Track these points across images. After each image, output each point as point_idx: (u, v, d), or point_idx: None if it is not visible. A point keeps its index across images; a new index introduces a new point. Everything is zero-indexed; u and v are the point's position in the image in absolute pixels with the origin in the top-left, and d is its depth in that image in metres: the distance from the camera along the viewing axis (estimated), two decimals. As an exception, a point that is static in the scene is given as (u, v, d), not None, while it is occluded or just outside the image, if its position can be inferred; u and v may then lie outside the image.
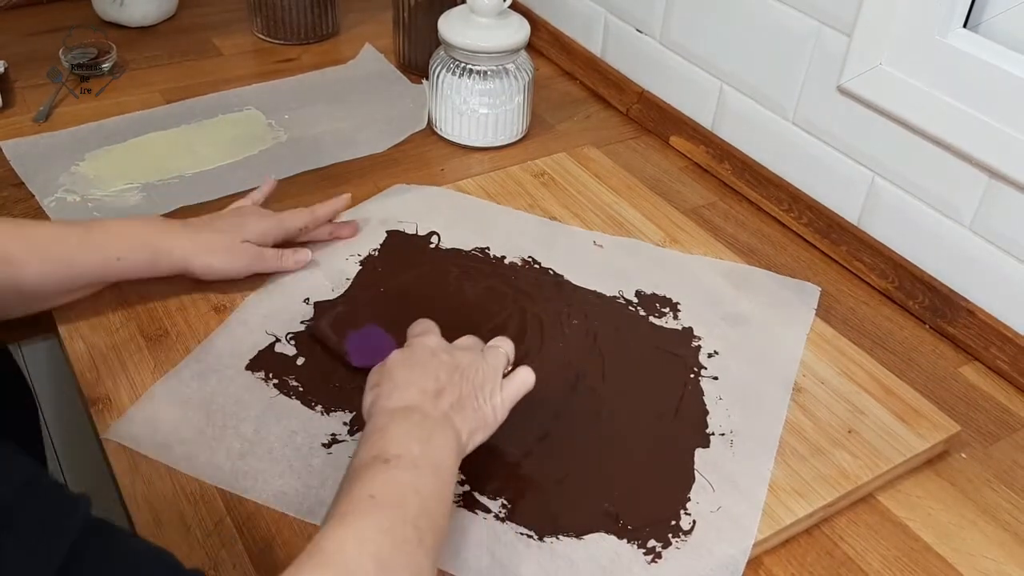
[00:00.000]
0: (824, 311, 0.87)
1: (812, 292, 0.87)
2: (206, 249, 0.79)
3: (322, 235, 0.87)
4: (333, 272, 0.84)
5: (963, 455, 0.75)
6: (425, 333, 0.68)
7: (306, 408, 0.71)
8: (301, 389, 0.73)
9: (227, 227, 0.81)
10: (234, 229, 0.81)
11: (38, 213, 0.91)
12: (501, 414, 0.64)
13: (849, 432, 0.73)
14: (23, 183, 0.95)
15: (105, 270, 0.76)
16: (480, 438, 0.63)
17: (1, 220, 0.73)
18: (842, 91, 0.90)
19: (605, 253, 0.89)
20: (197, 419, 0.70)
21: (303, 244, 0.86)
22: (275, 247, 0.83)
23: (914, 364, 0.83)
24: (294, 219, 0.84)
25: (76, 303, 0.78)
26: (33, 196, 0.93)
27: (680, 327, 0.81)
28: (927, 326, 0.88)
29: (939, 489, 0.72)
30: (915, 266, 0.89)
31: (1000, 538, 0.68)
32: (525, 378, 0.66)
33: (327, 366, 0.75)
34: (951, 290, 0.86)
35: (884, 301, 0.90)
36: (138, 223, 0.78)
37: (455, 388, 0.63)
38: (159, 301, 0.80)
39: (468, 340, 0.70)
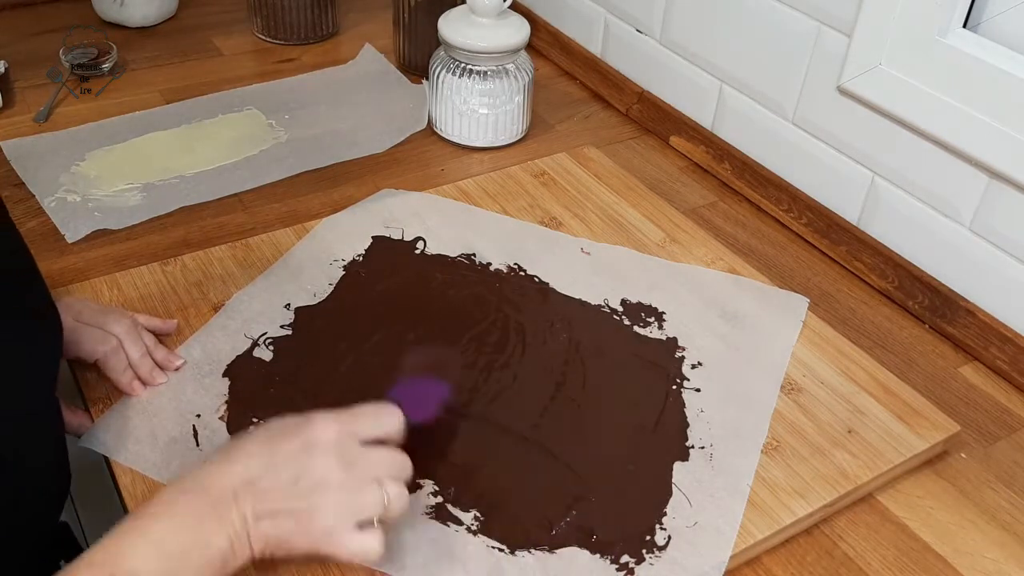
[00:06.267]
0: (824, 311, 0.87)
1: (800, 303, 0.85)
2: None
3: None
4: (316, 278, 0.83)
5: (963, 455, 0.75)
6: (335, 418, 0.57)
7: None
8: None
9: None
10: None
11: (38, 213, 0.91)
12: (311, 550, 0.55)
13: (849, 432, 0.73)
14: (23, 183, 0.95)
15: None
16: (282, 550, 0.54)
17: None
18: (842, 91, 0.90)
19: (592, 260, 0.88)
20: (171, 428, 0.69)
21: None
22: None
23: (914, 364, 0.83)
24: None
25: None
26: (33, 196, 0.94)
27: (664, 337, 0.80)
28: (927, 326, 0.88)
29: (939, 489, 0.72)
30: (915, 266, 0.89)
31: (1000, 538, 0.68)
32: (366, 551, 0.55)
33: (300, 376, 0.74)
34: (951, 290, 0.86)
35: (884, 301, 0.90)
36: None
37: (288, 500, 0.53)
38: (159, 301, 0.80)
39: (383, 456, 0.57)
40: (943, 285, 0.86)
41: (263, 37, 1.27)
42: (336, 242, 0.88)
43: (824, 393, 0.76)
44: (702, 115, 1.08)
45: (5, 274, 0.58)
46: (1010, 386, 0.82)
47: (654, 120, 1.13)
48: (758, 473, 0.69)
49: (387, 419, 0.59)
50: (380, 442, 0.58)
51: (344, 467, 0.55)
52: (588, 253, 0.89)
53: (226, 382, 0.73)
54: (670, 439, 0.71)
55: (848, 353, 0.80)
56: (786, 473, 0.69)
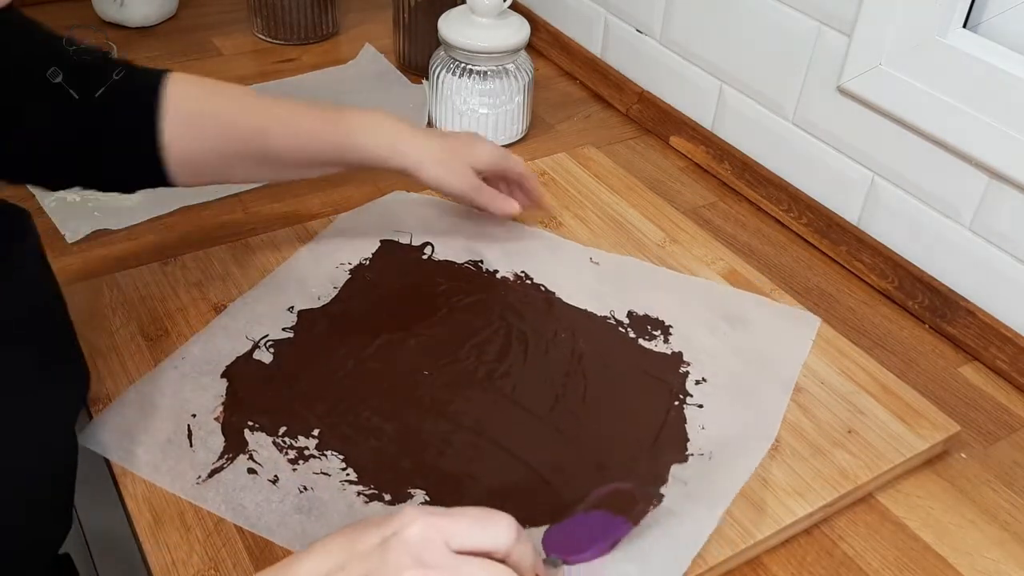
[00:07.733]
0: (824, 311, 0.87)
1: (811, 323, 0.82)
2: (438, 160, 0.81)
3: (517, 197, 0.89)
4: (321, 280, 0.83)
5: (963, 455, 0.75)
6: (425, 512, 0.48)
7: (275, 426, 0.70)
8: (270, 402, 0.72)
9: (460, 147, 0.83)
10: (465, 150, 0.83)
11: (38, 213, 0.91)
12: None
13: (849, 432, 0.73)
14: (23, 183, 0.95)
15: (343, 152, 0.79)
16: None
17: (252, 95, 0.77)
18: (842, 91, 0.90)
19: (600, 271, 0.87)
20: (167, 428, 0.69)
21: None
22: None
23: (914, 364, 0.83)
24: (515, 163, 0.87)
25: (74, 302, 0.78)
26: (33, 196, 0.94)
27: (670, 351, 0.78)
28: (927, 326, 0.88)
29: (939, 489, 0.72)
30: (915, 266, 0.89)
31: (1000, 538, 0.68)
32: None
33: (298, 379, 0.74)
34: (951, 290, 0.86)
35: (884, 301, 0.90)
36: (380, 116, 0.80)
37: None
38: (159, 301, 0.80)
39: (477, 569, 0.47)
40: (943, 285, 0.86)
41: (263, 37, 1.27)
42: (343, 245, 0.87)
43: (824, 393, 0.76)
44: (702, 115, 1.09)
45: (39, 322, 0.58)
46: (1010, 386, 0.82)
47: (654, 120, 1.13)
48: (758, 473, 0.68)
49: (494, 530, 0.49)
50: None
51: (420, 569, 0.46)
52: (597, 263, 0.88)
53: (224, 383, 0.73)
54: (667, 456, 0.69)
55: (848, 353, 0.80)
56: (786, 473, 0.69)
